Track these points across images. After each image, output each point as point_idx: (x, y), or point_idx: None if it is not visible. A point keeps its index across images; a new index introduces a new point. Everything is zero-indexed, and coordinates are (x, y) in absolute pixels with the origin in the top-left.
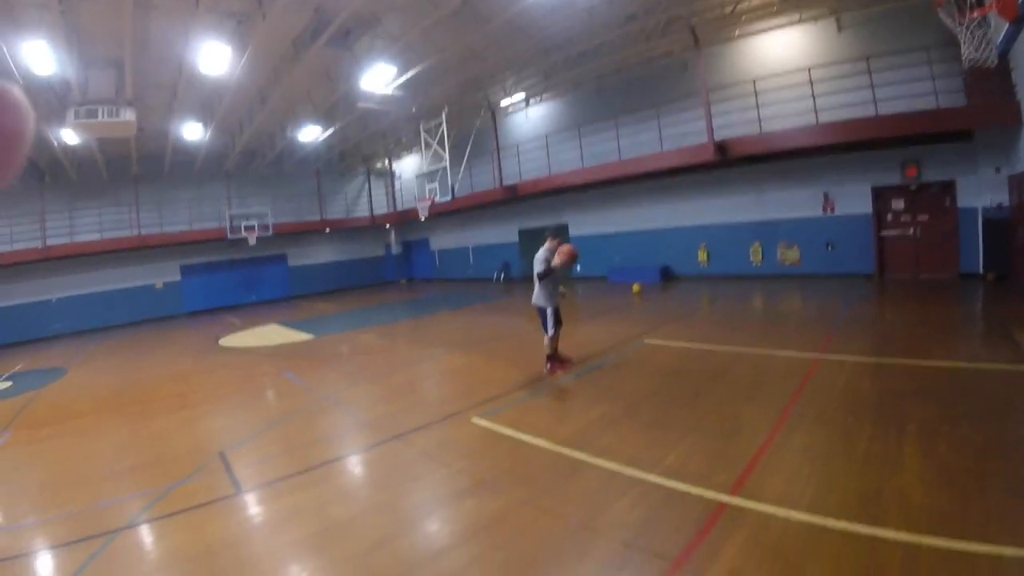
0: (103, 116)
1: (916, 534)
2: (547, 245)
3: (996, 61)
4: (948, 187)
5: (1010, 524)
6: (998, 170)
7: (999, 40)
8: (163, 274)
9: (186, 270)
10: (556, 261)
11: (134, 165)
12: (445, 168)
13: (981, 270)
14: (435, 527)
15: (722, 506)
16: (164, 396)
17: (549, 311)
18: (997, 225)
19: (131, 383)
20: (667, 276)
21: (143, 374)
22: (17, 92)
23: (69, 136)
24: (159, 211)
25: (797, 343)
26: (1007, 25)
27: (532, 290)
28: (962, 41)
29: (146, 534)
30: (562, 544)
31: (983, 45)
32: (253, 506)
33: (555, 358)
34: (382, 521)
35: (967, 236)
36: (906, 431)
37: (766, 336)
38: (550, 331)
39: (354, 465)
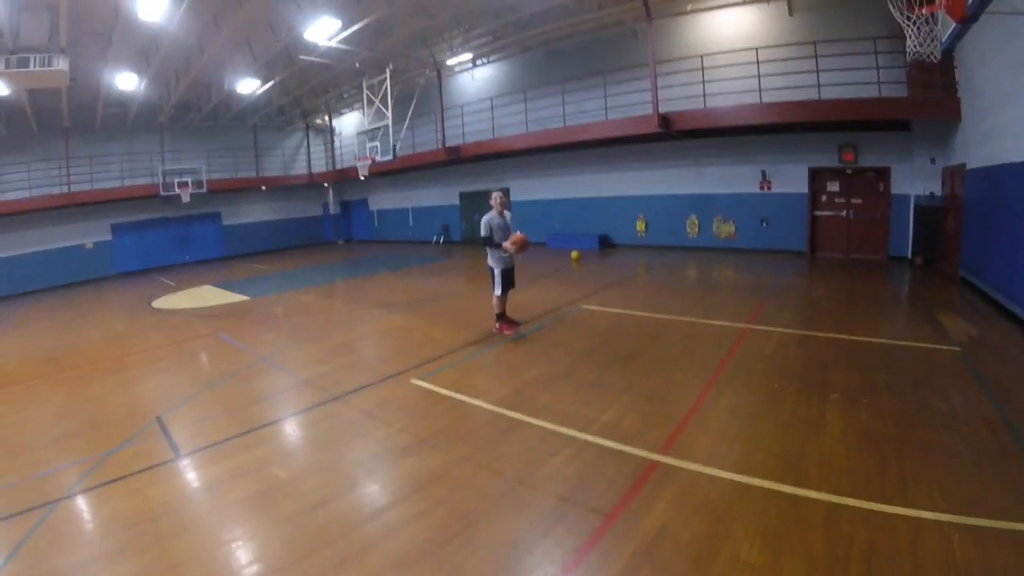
0: (35, 65)
1: (837, 495)
2: (496, 205)
3: (939, 57)
4: (883, 173)
5: (927, 489)
6: (933, 160)
7: (945, 37)
8: (94, 233)
9: (118, 229)
10: (508, 247)
11: (65, 117)
12: (387, 127)
13: (910, 254)
14: (376, 485)
15: (654, 463)
16: (98, 360)
17: (497, 272)
18: (928, 212)
19: (64, 347)
20: (605, 244)
21: (76, 338)
22: None
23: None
24: (90, 166)
25: (728, 313)
26: (953, 23)
27: (471, 253)
28: (908, 35)
29: (87, 502)
30: (500, 499)
31: (929, 40)
32: (193, 469)
33: (503, 318)
34: (323, 480)
35: (898, 221)
36: (829, 399)
37: (699, 305)
38: (497, 291)
39: (294, 426)
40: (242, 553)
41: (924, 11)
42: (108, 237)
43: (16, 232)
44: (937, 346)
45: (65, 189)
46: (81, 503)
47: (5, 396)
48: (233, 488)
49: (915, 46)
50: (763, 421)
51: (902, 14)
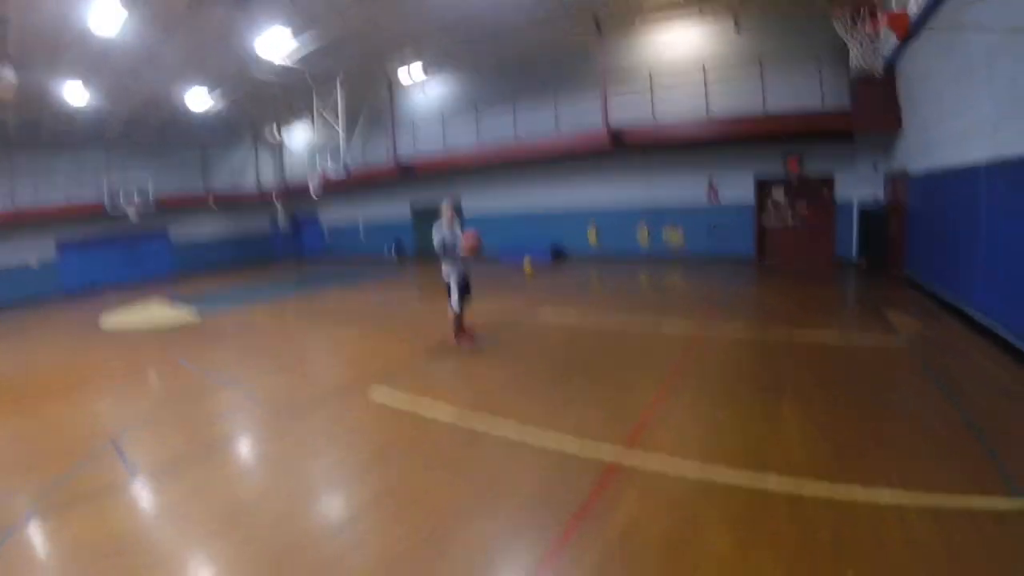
0: None
1: (799, 479)
2: (445, 217)
3: (882, 71)
4: (827, 181)
5: (884, 474)
6: (876, 167)
7: (888, 52)
8: (39, 251)
9: (64, 246)
10: (462, 248)
11: (9, 130)
12: (338, 141)
13: (855, 257)
14: (340, 499)
15: (616, 463)
16: (47, 383)
17: (453, 283)
18: (872, 217)
19: (10, 371)
20: (558, 255)
21: (22, 360)
22: None
23: None
24: (35, 182)
25: (680, 318)
26: (894, 39)
27: (425, 268)
28: (852, 51)
29: (42, 530)
30: (467, 507)
31: (872, 55)
32: (150, 491)
33: (461, 329)
34: (286, 497)
35: (843, 227)
36: (784, 393)
37: (652, 312)
38: (453, 302)
39: (253, 443)
40: (207, 573)
41: (868, 28)
42: (53, 255)
43: None
44: (886, 342)
45: (9, 204)
46: (37, 531)
47: None
48: (194, 507)
49: (859, 61)
50: (720, 419)
51: (846, 31)
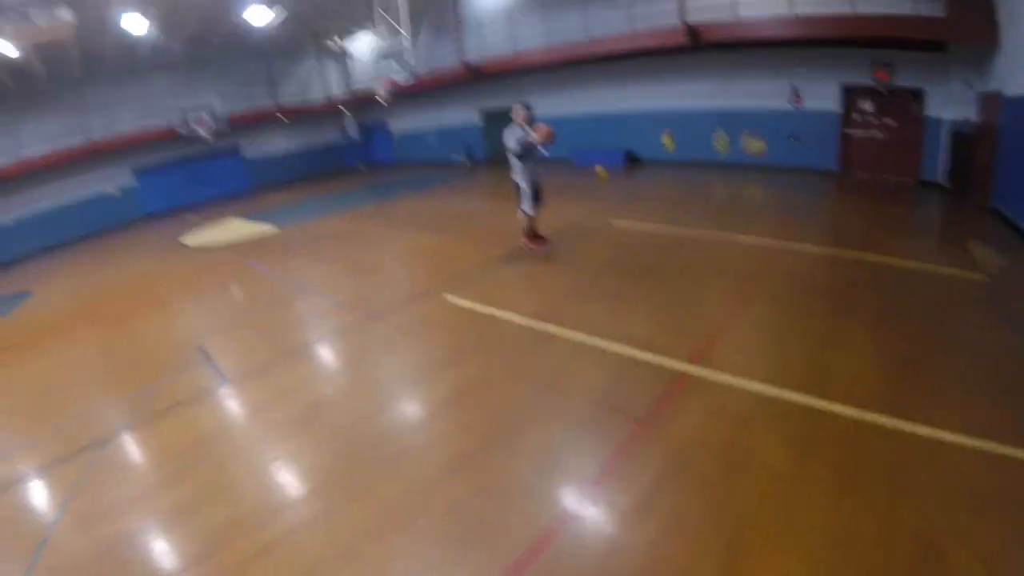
0: (37, 19)
1: (860, 409)
2: (518, 119)
3: None
4: (917, 94)
5: (946, 409)
6: (970, 85)
7: None
8: (118, 179)
9: (141, 172)
10: (534, 138)
11: (76, 67)
12: (403, 46)
13: (942, 179)
14: (416, 397)
15: (683, 374)
16: (135, 300)
17: (526, 186)
18: (962, 139)
19: (101, 292)
20: (632, 160)
21: (110, 282)
22: None
23: (5, 48)
24: (107, 113)
25: (760, 230)
26: None
27: (495, 173)
28: None
29: (140, 435)
30: (537, 407)
31: None
32: (240, 394)
33: (533, 234)
34: (366, 395)
35: (931, 145)
36: (855, 317)
37: (728, 222)
38: (526, 206)
39: (333, 345)
40: (292, 468)
41: None
42: (132, 181)
43: (40, 187)
44: (964, 273)
45: (83, 139)
46: (134, 436)
47: (51, 345)
48: (280, 408)
49: None
50: (790, 337)
51: None
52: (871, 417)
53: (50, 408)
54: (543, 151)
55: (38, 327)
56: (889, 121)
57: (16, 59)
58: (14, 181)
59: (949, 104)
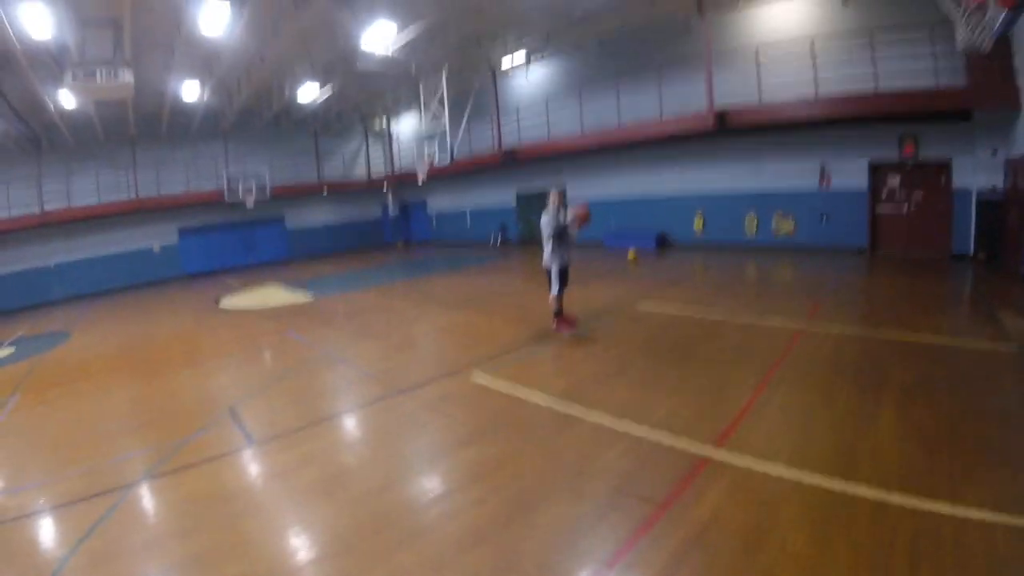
0: (101, 78)
1: (886, 489)
2: (551, 202)
3: (990, 47)
4: (944, 166)
5: (975, 487)
6: (995, 152)
7: (996, 25)
8: (161, 236)
9: (184, 232)
10: (569, 218)
11: (131, 126)
12: (444, 130)
13: (972, 251)
14: (437, 473)
15: (706, 458)
16: (169, 355)
17: (554, 270)
18: (990, 207)
19: (136, 343)
20: (663, 243)
21: (147, 334)
22: None
23: (67, 99)
24: (156, 173)
25: (785, 311)
26: (1004, 11)
27: (528, 253)
28: (957, 25)
29: (162, 485)
30: (557, 487)
31: (979, 30)
32: (264, 456)
33: (560, 316)
34: (388, 467)
35: (960, 217)
36: (884, 396)
37: (756, 304)
38: (554, 289)
39: (360, 417)
40: (310, 532)
41: (973, 0)
42: (175, 240)
43: (87, 236)
44: (996, 345)
45: (133, 195)
46: (156, 486)
47: (83, 387)
48: (302, 473)
49: (966, 36)
50: (816, 418)
51: (951, 3)
52: (896, 498)
53: (78, 448)
54: (575, 232)
55: (74, 368)
56: (917, 195)
57: (76, 113)
58: (62, 228)
59: (976, 173)
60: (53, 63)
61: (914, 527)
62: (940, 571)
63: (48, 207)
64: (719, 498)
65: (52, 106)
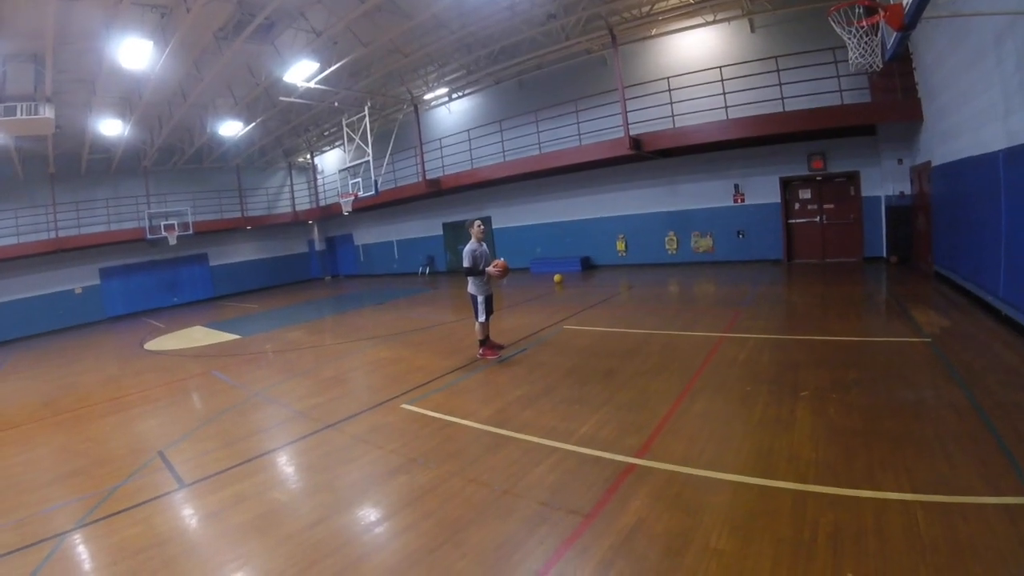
0: (21, 113)
1: (804, 483)
2: (474, 232)
3: (881, 66)
4: (853, 177)
5: (893, 473)
6: (900, 161)
7: (890, 45)
8: (82, 278)
9: (106, 273)
10: (492, 272)
11: (51, 164)
12: (368, 163)
13: (885, 254)
14: (370, 502)
15: (630, 467)
16: (95, 401)
17: (480, 299)
18: (899, 212)
19: (60, 390)
20: (587, 266)
21: (71, 381)
22: None
23: None
24: (77, 212)
25: (706, 324)
26: (895, 32)
27: (457, 283)
28: (849, 47)
29: (95, 533)
30: (486, 508)
31: (870, 51)
32: (196, 498)
33: (486, 343)
34: (320, 501)
35: (871, 223)
36: (799, 397)
37: (678, 319)
38: (480, 317)
39: (290, 453)
40: (246, 569)
41: (864, 24)
42: (96, 281)
43: (4, 278)
44: (909, 339)
45: (52, 235)
46: (90, 534)
47: (6, 438)
48: (236, 512)
49: (856, 58)
50: (734, 422)
51: (843, 28)
52: (814, 489)
53: (5, 500)
54: (497, 283)
55: None
56: (829, 205)
57: None
58: None
59: (884, 181)
60: None
61: (835, 518)
62: (862, 553)
63: None
64: (643, 505)
65: None
